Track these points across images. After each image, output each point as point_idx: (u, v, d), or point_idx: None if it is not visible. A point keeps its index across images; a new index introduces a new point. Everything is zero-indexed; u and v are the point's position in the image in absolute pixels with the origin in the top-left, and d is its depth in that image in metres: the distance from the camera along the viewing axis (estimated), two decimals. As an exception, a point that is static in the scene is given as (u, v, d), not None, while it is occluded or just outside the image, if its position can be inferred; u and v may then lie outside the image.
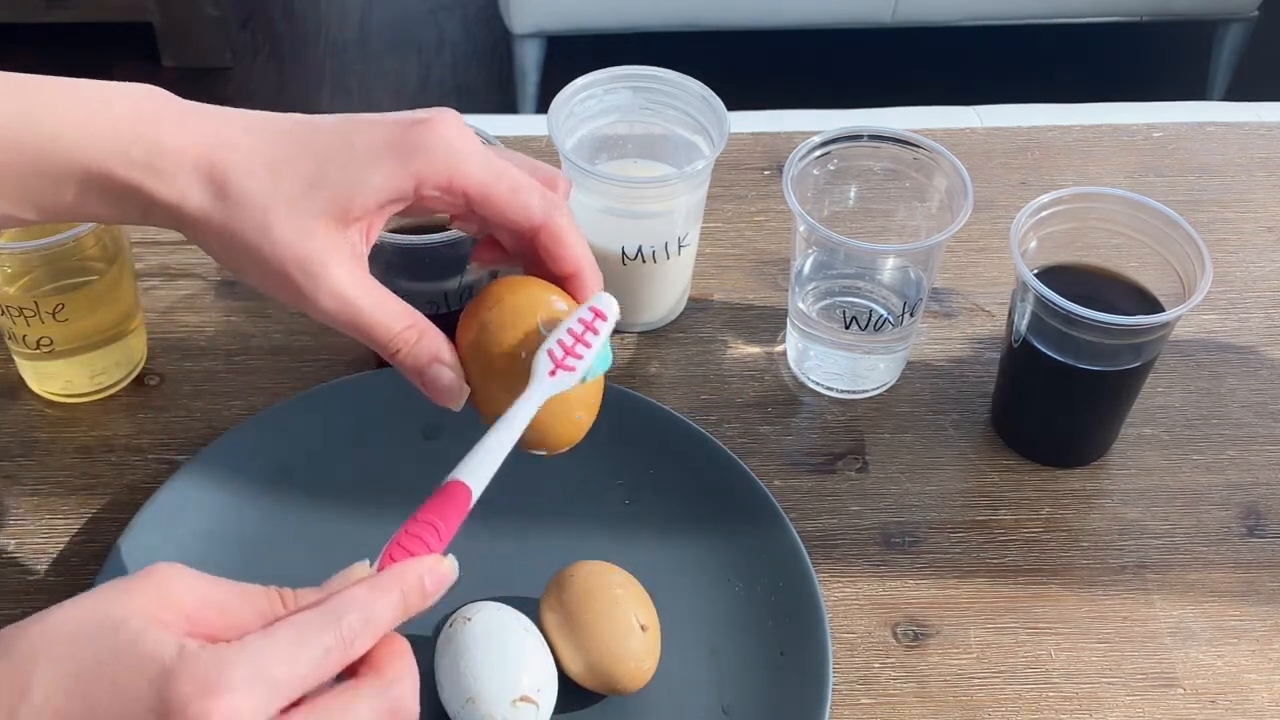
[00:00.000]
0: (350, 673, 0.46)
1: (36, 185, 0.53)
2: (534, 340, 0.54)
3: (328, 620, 0.45)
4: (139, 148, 0.52)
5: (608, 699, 0.64)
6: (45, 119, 0.52)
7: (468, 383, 0.55)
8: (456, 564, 0.49)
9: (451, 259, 0.72)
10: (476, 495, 0.51)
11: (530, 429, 0.54)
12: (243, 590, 0.46)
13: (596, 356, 0.53)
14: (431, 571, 0.48)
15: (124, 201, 0.53)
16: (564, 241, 0.56)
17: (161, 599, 0.44)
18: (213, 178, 0.52)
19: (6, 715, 0.42)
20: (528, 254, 0.57)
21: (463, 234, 0.70)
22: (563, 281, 0.57)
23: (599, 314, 0.54)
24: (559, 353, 0.53)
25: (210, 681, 0.41)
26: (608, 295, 0.55)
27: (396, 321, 0.54)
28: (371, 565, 0.48)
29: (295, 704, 0.44)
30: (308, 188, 0.53)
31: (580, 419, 0.57)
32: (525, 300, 0.55)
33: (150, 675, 0.42)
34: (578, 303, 0.56)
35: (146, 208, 0.54)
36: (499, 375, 0.54)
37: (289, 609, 0.46)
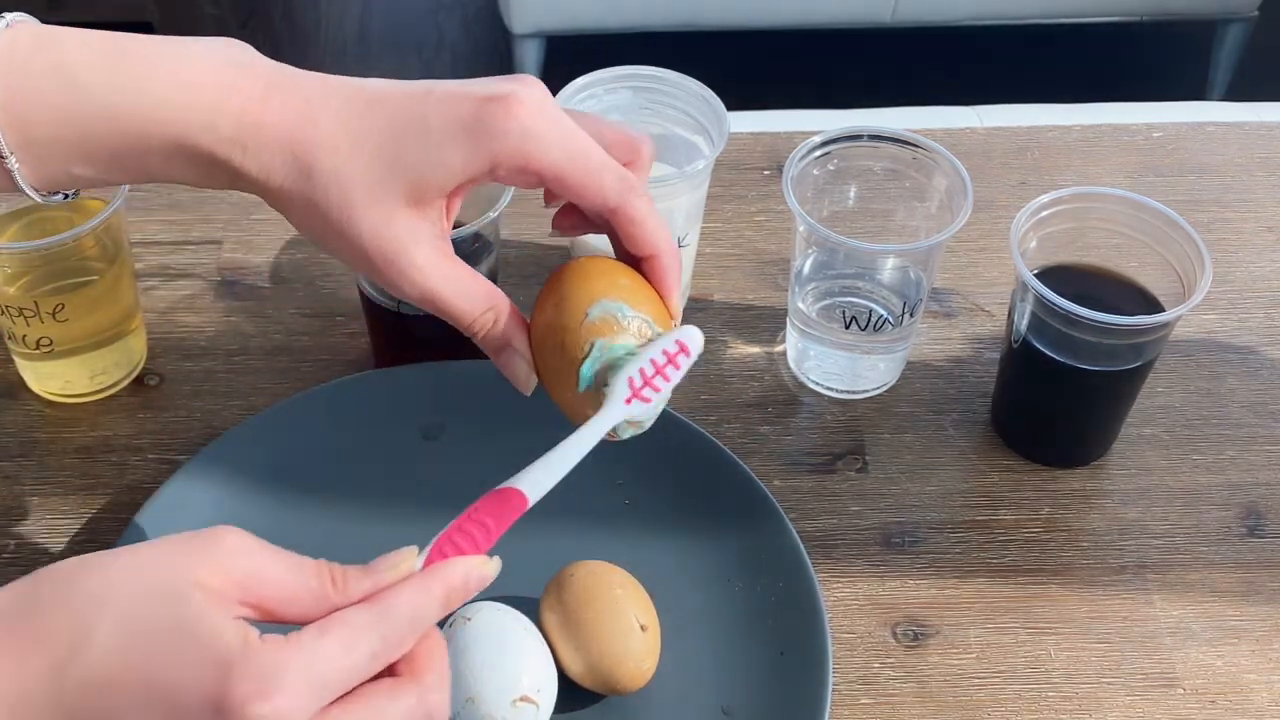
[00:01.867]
0: (390, 670, 0.46)
1: (129, 154, 0.54)
2: (587, 328, 0.53)
3: (378, 623, 0.45)
4: (227, 122, 0.53)
5: (608, 699, 0.64)
6: (140, 90, 0.53)
7: (537, 365, 0.56)
8: (500, 564, 0.49)
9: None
10: (530, 504, 0.51)
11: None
12: (296, 565, 0.46)
13: (672, 390, 0.53)
14: (475, 571, 0.48)
15: (213, 171, 0.54)
16: (639, 224, 0.55)
17: (220, 568, 0.44)
18: (296, 155, 0.53)
19: (58, 665, 0.42)
20: (608, 228, 0.57)
21: (462, 234, 0.70)
22: (640, 264, 0.56)
23: (683, 348, 0.53)
24: (638, 381, 0.53)
25: (268, 682, 0.42)
26: (694, 329, 0.54)
27: (475, 305, 0.55)
28: (421, 552, 0.48)
29: (336, 700, 0.44)
30: (387, 170, 0.53)
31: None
32: (587, 287, 0.55)
33: (212, 662, 0.42)
34: (654, 286, 0.56)
35: (235, 178, 0.54)
36: (559, 362, 0.54)
37: (338, 589, 0.46)
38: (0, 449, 0.75)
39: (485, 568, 0.49)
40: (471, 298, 0.55)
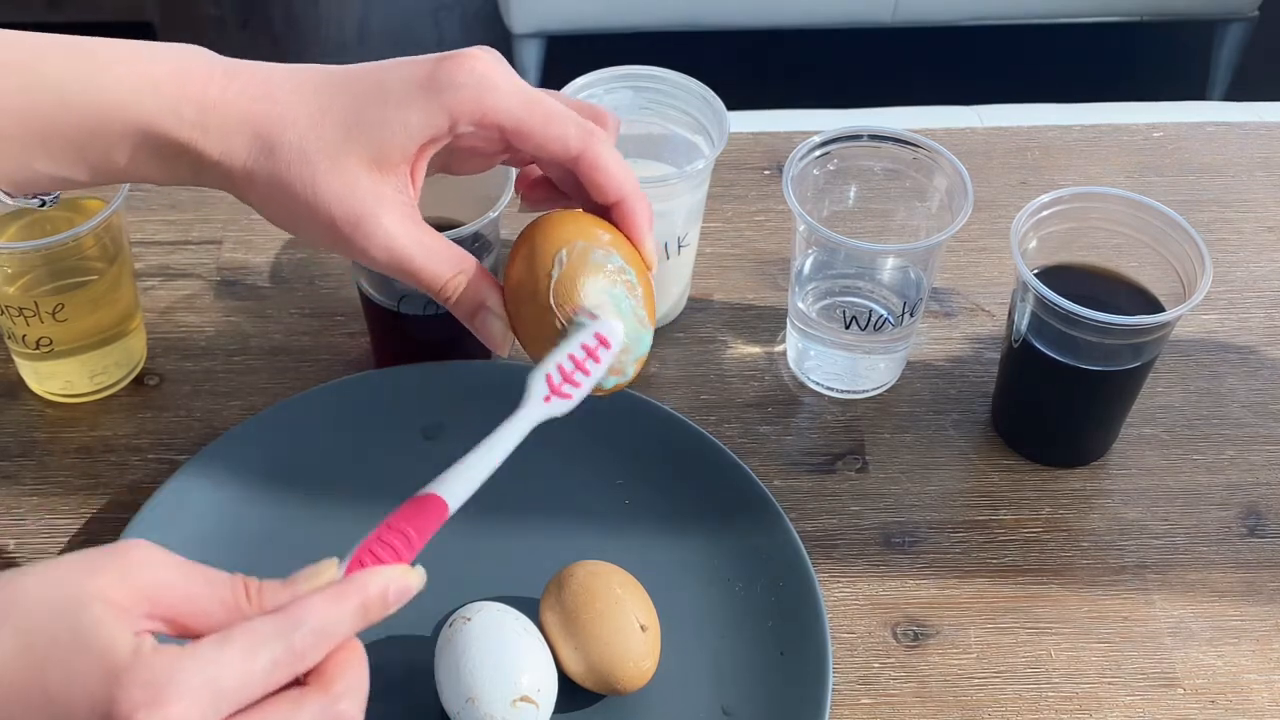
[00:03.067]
0: (300, 680, 0.45)
1: (91, 147, 0.54)
2: (589, 292, 0.53)
3: (282, 631, 0.44)
4: (190, 107, 0.53)
5: (608, 699, 0.64)
6: (100, 81, 0.53)
7: (513, 322, 0.55)
8: (424, 575, 0.48)
9: (451, 259, 0.72)
10: (452, 510, 0.50)
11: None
12: (208, 578, 0.46)
13: (594, 385, 0.53)
14: (396, 582, 0.47)
15: (177, 161, 0.54)
16: (603, 169, 0.55)
17: (126, 580, 0.44)
18: (258, 133, 0.53)
19: None
20: (575, 188, 0.57)
21: (462, 234, 0.70)
22: (608, 213, 0.56)
23: (603, 341, 0.53)
24: (557, 378, 0.52)
25: (159, 690, 0.41)
26: (615, 322, 0.53)
27: (445, 268, 0.55)
28: (341, 563, 0.47)
29: (238, 710, 0.43)
30: (347, 135, 0.53)
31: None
32: (555, 236, 0.54)
33: (103, 670, 0.42)
34: (621, 232, 0.55)
35: (197, 167, 0.54)
36: (533, 312, 0.54)
37: (252, 602, 0.45)
38: (0, 449, 0.75)
39: (407, 578, 0.47)
40: (442, 261, 0.55)
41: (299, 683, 0.45)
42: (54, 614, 0.43)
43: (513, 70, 0.55)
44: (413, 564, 0.48)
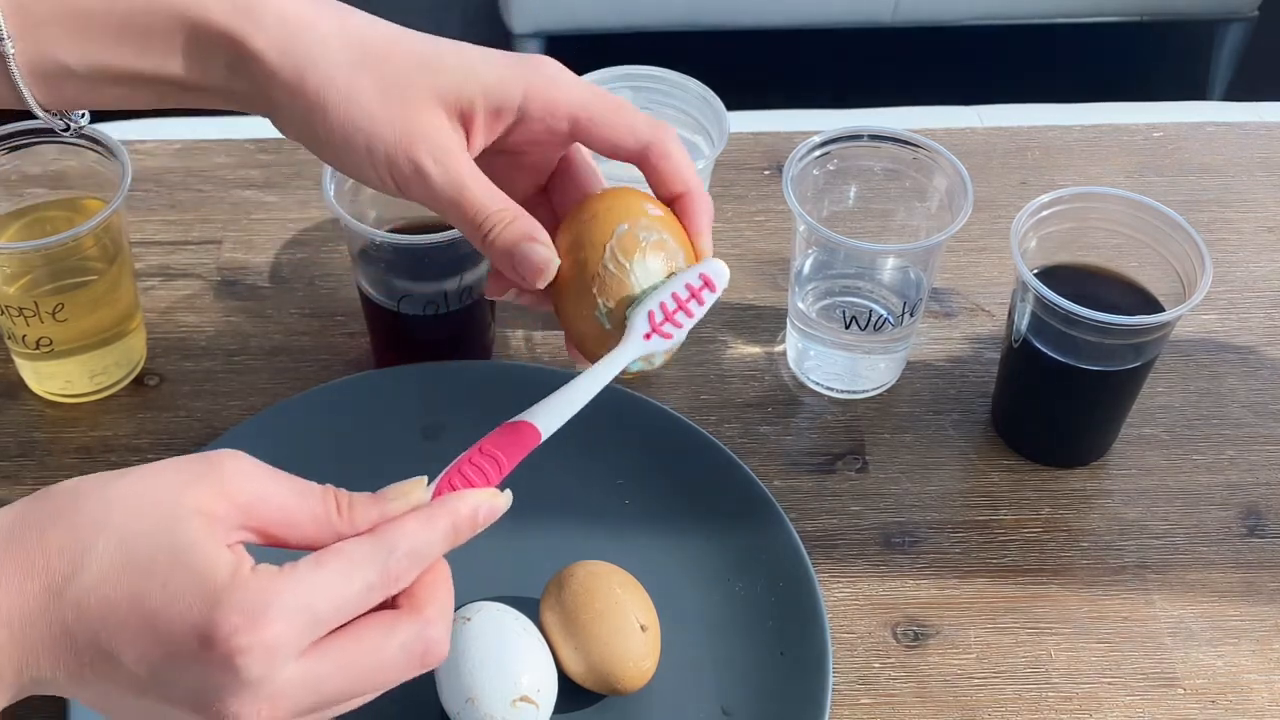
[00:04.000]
0: (390, 602, 0.46)
1: (125, 36, 0.52)
2: (635, 272, 0.52)
3: (377, 555, 0.44)
4: None
5: (608, 699, 0.64)
6: None
7: (554, 299, 0.54)
8: (511, 497, 0.48)
9: (451, 259, 0.72)
10: (543, 438, 0.50)
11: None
12: (301, 489, 0.46)
13: (694, 325, 0.52)
14: (485, 505, 0.47)
15: (214, 53, 0.52)
16: (671, 159, 0.55)
17: (223, 493, 0.44)
18: (319, 37, 0.52)
19: (55, 586, 0.42)
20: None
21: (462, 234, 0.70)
22: (672, 204, 0.55)
23: (708, 283, 0.52)
24: (659, 316, 0.51)
25: (256, 615, 0.42)
26: (720, 264, 0.52)
27: (495, 202, 0.53)
28: (430, 484, 0.48)
29: (332, 631, 0.44)
30: (421, 63, 0.52)
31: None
32: (620, 204, 0.54)
33: (203, 592, 0.42)
34: (684, 227, 0.55)
35: (236, 62, 0.52)
36: (578, 281, 0.53)
37: (343, 516, 0.46)
38: (0, 449, 0.75)
39: (496, 500, 0.48)
40: (493, 196, 0.53)
41: (389, 603, 0.46)
42: (152, 527, 0.43)
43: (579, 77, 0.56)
44: (501, 488, 0.48)
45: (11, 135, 0.73)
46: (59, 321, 0.73)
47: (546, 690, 0.62)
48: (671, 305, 0.51)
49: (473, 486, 0.48)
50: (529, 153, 0.57)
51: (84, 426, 0.77)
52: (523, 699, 0.60)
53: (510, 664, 0.61)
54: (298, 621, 0.42)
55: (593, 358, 0.53)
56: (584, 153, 0.58)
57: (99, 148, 0.73)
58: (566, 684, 0.63)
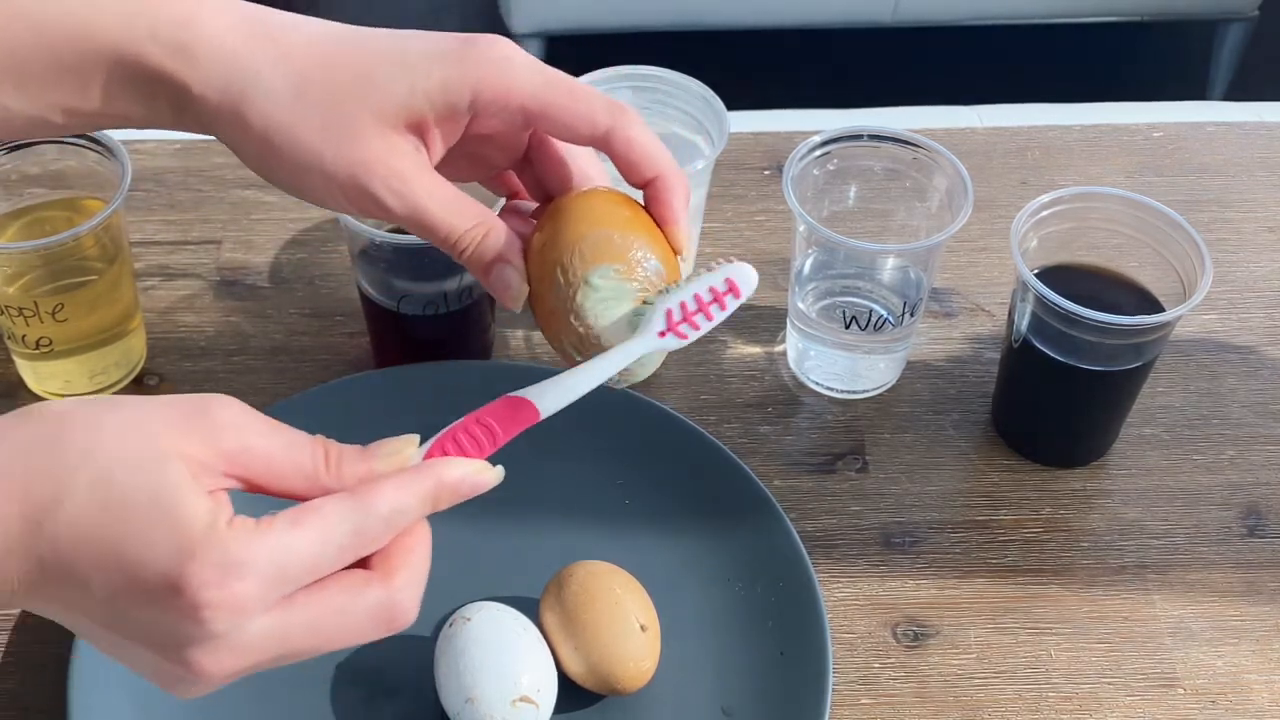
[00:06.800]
0: (363, 563, 0.45)
1: (63, 79, 0.51)
2: (580, 257, 0.50)
3: (352, 514, 0.44)
4: (174, 33, 0.50)
5: (608, 699, 0.64)
6: (75, 3, 0.50)
7: (531, 293, 0.53)
8: (502, 473, 0.47)
9: (451, 259, 0.72)
10: (542, 417, 0.49)
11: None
12: (290, 441, 0.45)
13: (712, 329, 0.50)
14: (471, 476, 0.46)
15: (155, 94, 0.51)
16: (636, 144, 0.52)
17: (209, 440, 0.44)
18: (254, 70, 0.50)
19: (32, 515, 0.42)
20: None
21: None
22: (644, 189, 0.53)
23: (733, 288, 0.50)
24: (677, 315, 0.50)
25: (228, 571, 0.42)
26: (748, 268, 0.51)
27: (462, 220, 0.52)
28: (422, 446, 0.47)
29: (300, 589, 0.44)
30: (362, 83, 0.50)
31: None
32: (590, 210, 0.52)
33: (177, 541, 0.42)
34: (657, 215, 0.53)
35: (180, 104, 0.51)
36: (551, 288, 0.51)
37: (330, 471, 0.45)
38: (0, 449, 0.75)
39: (484, 474, 0.47)
40: (458, 212, 0.52)
41: (363, 564, 0.45)
42: (135, 467, 0.42)
43: (532, 57, 0.53)
44: (493, 462, 0.47)
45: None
46: (59, 321, 0.73)
47: (546, 690, 0.62)
48: (692, 306, 0.50)
49: (464, 455, 0.47)
50: (494, 138, 0.56)
51: (84, 426, 0.77)
52: (523, 699, 0.60)
53: (510, 664, 0.61)
54: (267, 580, 0.42)
55: (565, 345, 0.52)
56: None
57: (99, 148, 0.73)
58: (566, 684, 0.63)
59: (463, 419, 0.48)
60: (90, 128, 0.54)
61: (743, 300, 0.51)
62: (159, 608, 0.42)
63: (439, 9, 2.51)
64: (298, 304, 0.83)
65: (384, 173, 0.51)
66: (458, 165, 0.56)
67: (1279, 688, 0.68)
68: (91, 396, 0.44)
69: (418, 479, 0.45)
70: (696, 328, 0.50)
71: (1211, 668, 0.68)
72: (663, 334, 0.50)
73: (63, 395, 0.77)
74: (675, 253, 0.53)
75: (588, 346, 0.51)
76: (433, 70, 0.51)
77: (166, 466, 0.43)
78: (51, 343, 0.74)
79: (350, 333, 0.82)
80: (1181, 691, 0.67)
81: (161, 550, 0.42)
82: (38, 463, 0.42)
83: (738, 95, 0.87)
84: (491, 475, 0.47)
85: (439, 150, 0.53)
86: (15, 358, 0.77)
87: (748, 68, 2.27)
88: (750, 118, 0.97)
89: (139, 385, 0.79)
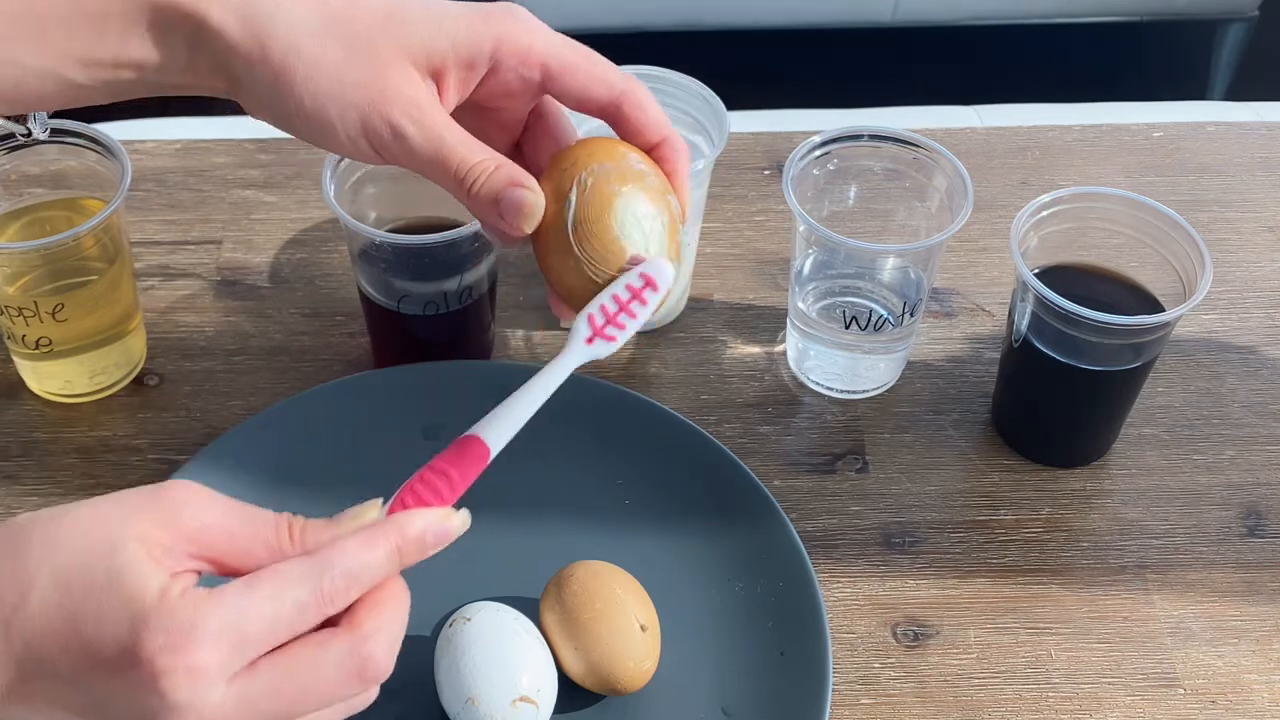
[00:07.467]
0: (331, 621, 0.45)
1: (80, 23, 0.51)
2: (618, 216, 0.51)
3: (310, 574, 0.44)
4: None
5: (608, 699, 0.64)
6: None
7: (538, 254, 0.53)
8: (468, 518, 0.47)
9: (451, 259, 0.72)
10: (494, 453, 0.49)
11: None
12: (250, 516, 0.45)
13: (639, 327, 0.51)
14: (435, 526, 0.46)
15: (172, 29, 0.51)
16: (645, 108, 0.54)
17: (166, 521, 0.44)
18: (278, 4, 0.51)
19: (3, 616, 0.42)
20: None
21: (462, 234, 0.70)
22: (649, 152, 0.55)
23: (650, 282, 0.51)
24: (600, 319, 0.50)
25: (181, 636, 0.41)
26: (663, 261, 0.51)
27: (472, 153, 0.52)
28: (384, 504, 0.47)
29: (266, 653, 0.43)
30: (390, 20, 0.51)
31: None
32: (597, 151, 0.53)
33: (129, 613, 0.42)
34: (663, 169, 0.54)
35: (195, 38, 0.51)
36: (558, 229, 0.51)
37: (295, 542, 0.45)
38: (0, 449, 0.75)
39: (448, 521, 0.46)
40: (472, 146, 0.52)
41: (332, 624, 0.45)
42: (91, 555, 0.43)
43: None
44: (457, 507, 0.47)
45: (12, 135, 0.73)
46: (59, 321, 0.73)
47: (546, 690, 0.62)
48: (613, 308, 0.50)
49: (425, 505, 0.47)
50: (501, 108, 0.56)
51: (84, 426, 0.77)
52: (523, 699, 0.60)
53: (510, 664, 0.61)
54: (224, 644, 0.42)
55: (572, 294, 0.52)
56: (556, 104, 0.57)
57: (99, 148, 0.73)
58: (566, 684, 0.63)
59: (418, 471, 0.48)
60: (100, 87, 0.53)
61: (661, 294, 0.51)
62: (122, 681, 0.42)
63: (439, 9, 2.51)
64: (298, 304, 0.83)
65: (404, 102, 0.51)
66: (478, 116, 0.56)
67: (1279, 688, 0.68)
68: (53, 507, 0.45)
69: (378, 533, 0.45)
70: (622, 327, 0.51)
71: (1211, 668, 0.68)
72: (590, 340, 0.51)
73: (63, 395, 0.77)
74: (680, 203, 0.55)
75: (606, 263, 0.51)
76: (460, 16, 0.52)
77: (121, 549, 0.43)
78: (51, 343, 0.74)
79: (350, 333, 0.82)
80: (1181, 691, 0.67)
81: (116, 623, 0.42)
82: (3, 571, 0.43)
83: (738, 95, 0.87)
84: (457, 521, 0.47)
85: (451, 101, 0.54)
86: (15, 358, 0.77)
87: (748, 68, 2.27)
88: (750, 118, 0.97)
89: (139, 385, 0.79)
